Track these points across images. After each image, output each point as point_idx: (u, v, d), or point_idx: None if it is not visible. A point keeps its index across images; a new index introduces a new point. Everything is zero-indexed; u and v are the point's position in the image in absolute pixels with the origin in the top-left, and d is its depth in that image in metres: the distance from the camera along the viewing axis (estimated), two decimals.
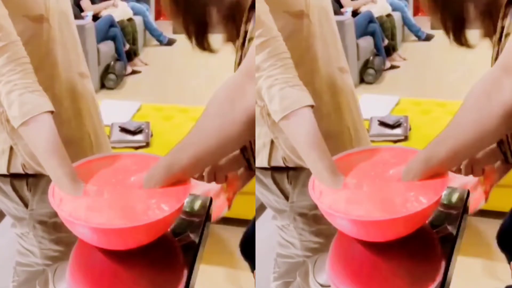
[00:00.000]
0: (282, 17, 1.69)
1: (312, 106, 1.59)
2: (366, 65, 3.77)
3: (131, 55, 3.87)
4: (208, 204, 1.73)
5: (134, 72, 3.85)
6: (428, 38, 4.14)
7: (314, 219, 1.79)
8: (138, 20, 4.01)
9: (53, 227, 1.75)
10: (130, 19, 3.94)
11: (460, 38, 1.88)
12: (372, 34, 3.82)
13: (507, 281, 1.70)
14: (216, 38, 1.96)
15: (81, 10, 3.86)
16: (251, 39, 1.70)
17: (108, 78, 3.63)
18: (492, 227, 1.91)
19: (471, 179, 1.72)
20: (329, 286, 1.62)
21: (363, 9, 3.82)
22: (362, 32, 3.75)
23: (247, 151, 1.77)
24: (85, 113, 1.91)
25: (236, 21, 1.73)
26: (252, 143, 1.72)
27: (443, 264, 1.52)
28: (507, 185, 1.94)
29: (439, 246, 1.59)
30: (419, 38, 4.23)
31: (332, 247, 1.62)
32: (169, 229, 1.59)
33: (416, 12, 4.43)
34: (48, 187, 1.62)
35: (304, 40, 1.79)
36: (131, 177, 1.59)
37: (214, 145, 1.57)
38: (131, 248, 1.50)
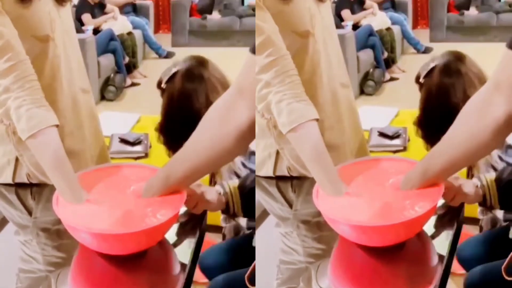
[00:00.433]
0: (289, 37, 1.75)
1: (317, 120, 1.65)
2: (366, 77, 3.80)
3: (131, 67, 3.89)
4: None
5: (133, 84, 3.84)
6: (427, 50, 4.16)
7: (316, 226, 1.83)
8: (137, 33, 4.01)
9: (56, 234, 1.80)
10: (129, 33, 3.94)
11: None
12: (372, 47, 3.85)
13: None
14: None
15: (82, 24, 3.86)
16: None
17: (108, 90, 3.64)
18: None
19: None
20: None
21: (363, 23, 3.87)
22: (362, 45, 3.78)
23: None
24: (86, 125, 1.96)
25: None
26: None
27: (439, 268, 1.57)
28: None
29: (435, 251, 1.64)
30: (418, 51, 4.25)
31: (333, 252, 1.66)
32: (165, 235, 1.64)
33: (415, 25, 4.47)
34: (51, 196, 1.68)
35: (310, 57, 1.84)
36: (130, 186, 1.65)
37: (208, 159, 1.62)
38: (130, 253, 1.56)
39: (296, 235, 1.86)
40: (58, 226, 1.76)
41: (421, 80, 1.91)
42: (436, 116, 1.88)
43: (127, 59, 3.80)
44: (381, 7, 4.09)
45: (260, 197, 2.00)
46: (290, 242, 1.82)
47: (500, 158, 1.81)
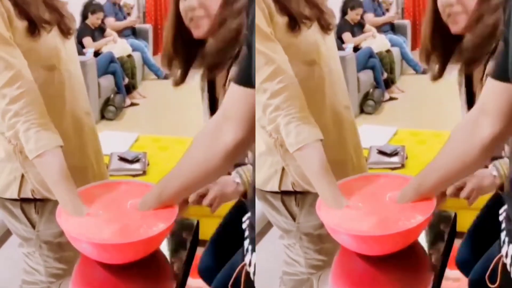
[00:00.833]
0: (297, 65, 1.84)
1: (321, 140, 1.75)
2: (366, 97, 3.77)
3: (130, 88, 3.86)
4: (195, 225, 1.89)
5: (132, 105, 3.79)
6: (425, 71, 4.16)
7: (318, 238, 1.91)
8: (137, 55, 3.96)
9: (58, 246, 1.86)
10: (129, 55, 3.92)
11: (441, 73, 2.06)
12: (372, 68, 3.86)
13: None
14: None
15: (83, 47, 3.91)
16: (231, 80, 1.84)
17: (108, 110, 3.63)
18: None
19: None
20: None
21: (363, 45, 3.85)
22: (362, 66, 3.77)
23: None
24: (87, 145, 2.02)
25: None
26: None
27: (432, 275, 1.66)
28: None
29: (429, 260, 1.74)
30: (417, 72, 4.25)
31: (334, 262, 1.74)
32: (160, 246, 1.73)
33: (414, 47, 4.49)
34: (54, 210, 1.77)
35: (315, 83, 1.93)
36: (128, 201, 1.74)
37: (197, 177, 1.70)
38: (127, 262, 1.65)
39: (298, 247, 1.93)
40: (60, 238, 1.84)
41: None
42: None
43: (126, 80, 3.80)
44: (381, 30, 4.07)
45: (265, 210, 2.05)
46: (293, 254, 1.88)
47: None
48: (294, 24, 1.84)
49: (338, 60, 2.00)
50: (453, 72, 2.07)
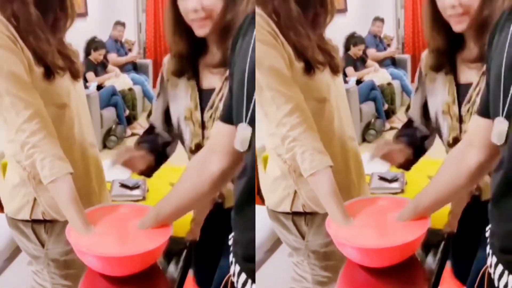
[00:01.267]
0: (311, 102, 1.94)
1: (331, 166, 1.87)
2: (368, 127, 3.82)
3: (131, 119, 3.88)
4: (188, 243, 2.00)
5: (133, 135, 3.81)
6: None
7: (324, 256, 2.00)
8: (137, 89, 3.98)
9: (64, 264, 1.96)
10: (130, 89, 3.93)
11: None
12: (374, 99, 3.92)
13: None
14: None
15: (86, 81, 3.80)
16: (215, 118, 1.97)
17: (110, 140, 3.66)
18: None
19: None
20: None
21: (366, 78, 3.94)
22: (365, 98, 3.84)
23: None
24: (92, 173, 2.10)
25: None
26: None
27: (427, 286, 1.81)
28: None
29: (424, 272, 1.86)
30: None
31: (340, 274, 1.84)
32: (157, 261, 1.84)
33: (413, 79, 4.51)
34: (62, 231, 1.87)
35: (326, 118, 2.01)
36: (128, 221, 1.86)
37: (188, 201, 1.79)
38: (128, 274, 1.77)
39: (306, 264, 2.00)
40: (66, 257, 1.95)
41: None
42: None
43: (127, 111, 3.83)
44: (383, 64, 4.08)
45: (276, 229, 2.13)
46: (301, 271, 1.96)
47: None
48: (309, 68, 1.93)
49: (345, 97, 2.09)
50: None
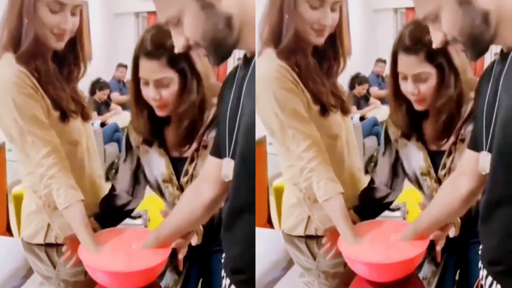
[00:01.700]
0: (325, 138, 2.07)
1: (342, 193, 2.02)
2: (370, 160, 3.60)
3: None
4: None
5: None
6: None
7: (333, 276, 2.14)
8: None
9: (73, 285, 2.11)
10: None
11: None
12: (376, 134, 3.83)
13: None
14: None
15: None
16: (205, 146, 2.07)
17: (112, 172, 3.43)
18: None
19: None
20: None
21: (369, 115, 4.10)
22: (367, 133, 3.84)
23: None
24: (99, 201, 2.21)
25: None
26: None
27: None
28: None
29: (423, 286, 2.02)
30: None
31: None
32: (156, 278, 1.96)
33: None
34: (72, 254, 2.03)
35: (338, 152, 2.13)
36: (132, 242, 2.00)
37: (184, 224, 1.93)
38: None
39: (316, 284, 2.17)
40: (75, 278, 2.10)
41: None
42: None
43: None
44: (384, 101, 4.06)
45: (290, 251, 2.24)
46: None
47: None
48: (324, 110, 2.06)
49: (353, 134, 2.21)
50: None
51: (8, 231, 2.86)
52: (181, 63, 1.98)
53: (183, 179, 2.11)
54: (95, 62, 2.20)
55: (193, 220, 1.92)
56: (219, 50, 1.51)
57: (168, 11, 1.48)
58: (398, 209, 2.49)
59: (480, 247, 1.67)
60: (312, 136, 2.03)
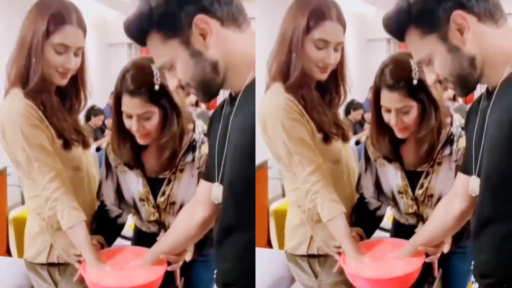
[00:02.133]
0: (328, 164, 2.18)
1: (344, 213, 2.13)
2: None
3: None
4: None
5: None
6: None
7: None
8: None
9: None
10: None
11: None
12: None
13: None
14: None
15: None
16: (181, 170, 2.18)
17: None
18: None
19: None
20: None
21: (363, 140, 4.02)
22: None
23: None
24: None
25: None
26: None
27: None
28: None
29: None
30: None
31: None
32: None
33: None
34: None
35: (339, 175, 2.25)
36: (131, 260, 2.10)
37: (179, 242, 2.04)
38: None
39: None
40: None
41: None
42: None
43: None
44: None
45: (293, 270, 2.34)
46: None
47: None
48: (327, 138, 2.19)
49: (352, 159, 2.32)
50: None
51: (8, 253, 3.01)
52: (161, 99, 2.12)
53: (160, 199, 2.23)
54: (91, 90, 2.32)
55: (188, 238, 2.04)
56: (207, 90, 1.66)
57: (163, 58, 1.64)
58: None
59: (472, 262, 1.75)
60: (316, 161, 2.15)
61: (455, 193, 1.93)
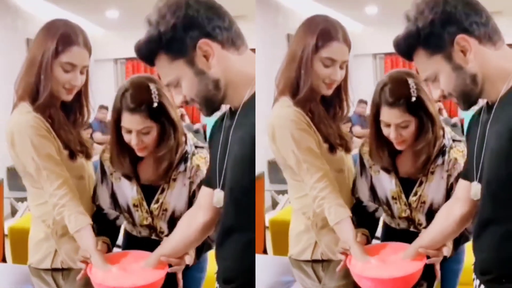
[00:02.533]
0: (333, 172, 2.28)
1: (350, 216, 2.21)
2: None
3: None
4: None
5: None
6: None
7: None
8: None
9: None
10: None
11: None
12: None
13: None
14: None
15: None
16: (174, 179, 2.27)
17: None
18: None
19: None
20: None
21: (352, 153, 4.02)
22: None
23: None
24: None
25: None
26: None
27: None
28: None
29: None
30: None
31: None
32: None
33: None
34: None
35: (343, 182, 2.35)
36: (135, 263, 2.18)
37: (181, 246, 2.12)
38: None
39: None
40: None
41: None
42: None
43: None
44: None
45: (296, 275, 2.39)
46: None
47: None
48: (332, 148, 2.29)
49: (353, 169, 2.40)
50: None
51: (3, 261, 3.12)
52: (159, 115, 2.22)
53: (154, 206, 2.32)
54: (93, 105, 2.44)
55: (190, 241, 2.12)
56: (210, 105, 1.81)
57: (170, 76, 1.79)
58: None
59: (473, 261, 1.85)
60: (323, 169, 2.25)
61: (456, 198, 2.03)
